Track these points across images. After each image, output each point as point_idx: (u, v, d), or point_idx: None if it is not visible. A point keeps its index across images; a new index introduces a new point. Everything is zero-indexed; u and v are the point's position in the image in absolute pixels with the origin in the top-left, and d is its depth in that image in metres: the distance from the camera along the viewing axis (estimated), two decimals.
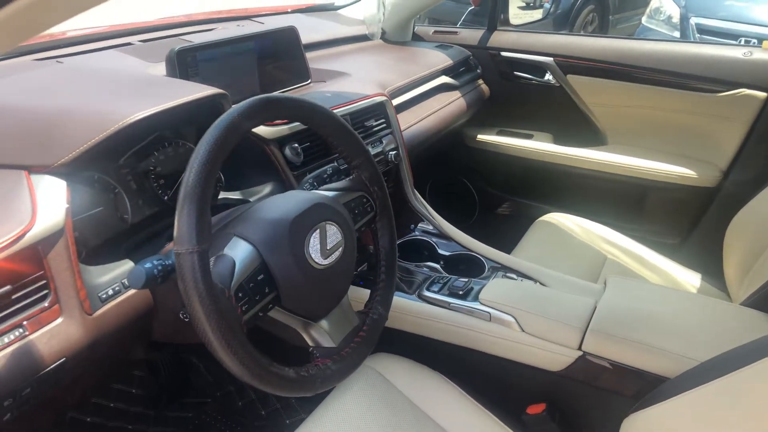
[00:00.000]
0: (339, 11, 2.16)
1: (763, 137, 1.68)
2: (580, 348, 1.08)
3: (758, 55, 1.69)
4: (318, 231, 0.85)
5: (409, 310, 1.23)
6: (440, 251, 1.44)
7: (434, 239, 1.47)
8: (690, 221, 1.86)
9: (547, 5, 2.47)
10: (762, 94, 1.65)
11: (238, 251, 0.80)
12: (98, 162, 0.93)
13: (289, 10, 2.04)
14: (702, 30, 4.45)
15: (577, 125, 2.03)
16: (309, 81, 1.54)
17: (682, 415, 0.87)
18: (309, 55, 1.54)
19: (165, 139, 1.05)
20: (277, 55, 1.48)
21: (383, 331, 1.16)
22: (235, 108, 0.80)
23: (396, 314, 1.24)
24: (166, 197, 1.07)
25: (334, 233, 0.88)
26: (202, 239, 0.71)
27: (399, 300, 1.24)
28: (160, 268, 0.77)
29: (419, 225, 1.51)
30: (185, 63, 1.24)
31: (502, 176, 2.18)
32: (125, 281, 0.89)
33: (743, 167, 1.72)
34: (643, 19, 5.16)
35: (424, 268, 1.38)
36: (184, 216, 0.71)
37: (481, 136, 2.12)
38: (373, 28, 1.93)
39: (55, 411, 0.98)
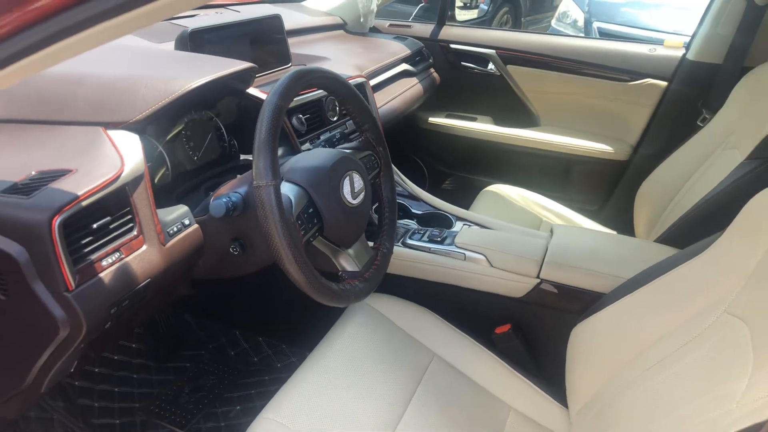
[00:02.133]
0: (302, 3, 2.35)
1: (664, 118, 2.07)
2: (538, 276, 1.37)
3: (660, 51, 2.08)
4: (348, 177, 1.08)
5: (397, 255, 1.47)
6: (413, 210, 1.68)
7: (407, 201, 1.71)
8: (607, 189, 2.23)
9: (483, 6, 2.78)
10: (663, 83, 2.04)
11: (291, 192, 1.01)
12: (149, 127, 1.09)
13: (257, 1, 2.20)
14: (602, 33, 4.98)
15: (514, 109, 2.34)
16: (290, 64, 1.74)
17: (612, 319, 1.18)
18: None
19: (191, 107, 1.23)
20: (264, 40, 1.66)
21: None
22: (285, 77, 1.00)
23: None
24: (195, 158, 1.25)
25: (358, 180, 1.10)
26: (276, 175, 0.91)
27: None
28: (232, 202, 0.97)
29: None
30: (196, 43, 1.41)
31: (450, 154, 2.46)
32: (185, 221, 1.07)
33: (649, 143, 2.11)
34: (553, 22, 5.67)
35: (404, 225, 1.62)
36: (261, 159, 0.91)
37: (432, 119, 2.40)
38: (370, 18, 2.13)
39: (121, 334, 1.14)
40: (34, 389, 0.96)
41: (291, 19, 2.08)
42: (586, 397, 1.18)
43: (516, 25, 6.50)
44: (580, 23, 5.29)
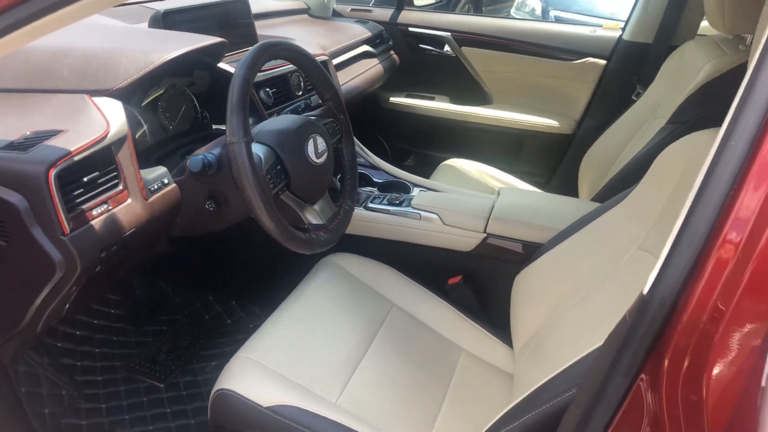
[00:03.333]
0: None
1: (603, 94, 2.25)
2: (485, 231, 1.52)
3: (600, 32, 2.26)
4: (312, 139, 1.21)
5: (359, 217, 1.61)
6: (375, 179, 1.82)
7: (369, 170, 1.85)
8: (555, 161, 2.41)
9: None
10: (602, 62, 2.22)
11: (260, 151, 1.14)
12: (128, 97, 1.20)
13: None
14: (559, 21, 5.20)
15: (469, 88, 2.50)
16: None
17: (548, 265, 1.35)
18: None
19: (168, 78, 1.34)
20: (231, 23, 1.77)
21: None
22: (253, 48, 1.13)
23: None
24: (171, 126, 1.36)
25: (321, 142, 1.23)
26: (247, 133, 1.04)
27: None
28: (207, 159, 1.09)
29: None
30: (168, 23, 1.51)
31: (410, 132, 2.61)
32: (164, 180, 1.18)
33: (591, 117, 2.29)
34: (512, 11, 5.86)
35: (366, 191, 1.76)
36: (233, 119, 1.03)
37: (393, 99, 2.54)
38: (331, 4, 2.26)
39: (107, 283, 1.25)
40: (31, 329, 1.06)
41: (257, 3, 2.18)
42: (527, 335, 1.34)
43: (477, 14, 6.63)
44: (538, 12, 5.49)
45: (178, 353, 1.72)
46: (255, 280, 1.83)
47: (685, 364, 0.58)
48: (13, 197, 0.92)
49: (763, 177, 0.53)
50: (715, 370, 0.56)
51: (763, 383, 0.52)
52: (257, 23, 2.08)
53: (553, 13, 5.43)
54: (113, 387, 1.59)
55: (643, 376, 0.64)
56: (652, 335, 0.61)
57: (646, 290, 0.63)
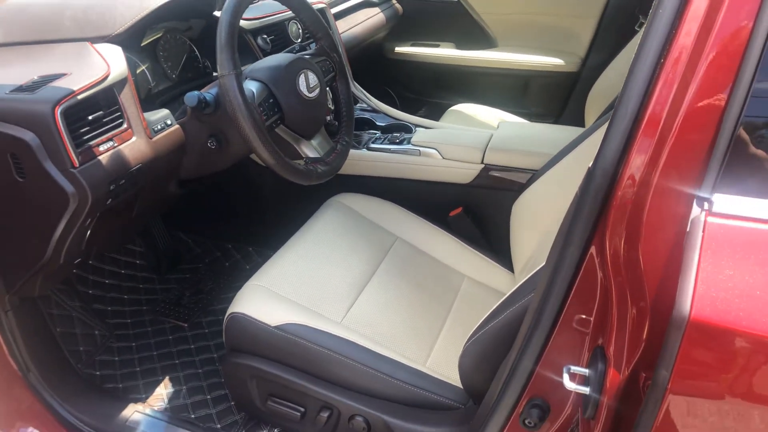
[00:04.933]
0: None
1: (606, 28, 2.23)
2: (482, 162, 1.56)
3: None
4: (303, 75, 1.26)
5: (362, 157, 1.67)
6: (378, 123, 1.87)
7: (371, 115, 1.90)
8: (562, 100, 2.41)
9: None
10: None
11: (253, 86, 1.19)
12: (129, 43, 1.26)
13: None
14: None
15: (473, 33, 2.50)
16: None
17: (542, 189, 1.39)
18: None
19: (167, 31, 1.40)
20: None
21: (346, 176, 1.59)
22: None
23: (352, 162, 1.66)
24: (174, 75, 1.43)
25: (312, 78, 1.28)
26: (237, 66, 1.09)
27: (353, 152, 1.67)
28: (203, 96, 1.16)
29: (357, 105, 1.94)
30: None
31: (418, 81, 2.63)
32: (167, 121, 1.25)
33: (596, 53, 2.27)
34: None
35: (368, 133, 1.81)
36: (223, 54, 1.09)
37: (398, 49, 2.56)
38: None
39: (123, 220, 1.34)
40: (54, 262, 1.16)
41: None
42: (525, 258, 1.39)
43: None
44: None
45: (200, 297, 1.82)
46: (269, 226, 1.91)
47: (624, 233, 0.63)
48: (26, 135, 1.00)
49: (677, 70, 0.58)
50: (648, 236, 0.61)
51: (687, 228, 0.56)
52: None
53: None
54: (141, 328, 1.70)
55: (593, 247, 0.69)
56: (597, 207, 0.65)
57: (591, 165, 0.68)
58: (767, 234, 0.55)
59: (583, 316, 0.73)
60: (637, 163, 0.61)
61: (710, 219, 0.55)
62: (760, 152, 0.58)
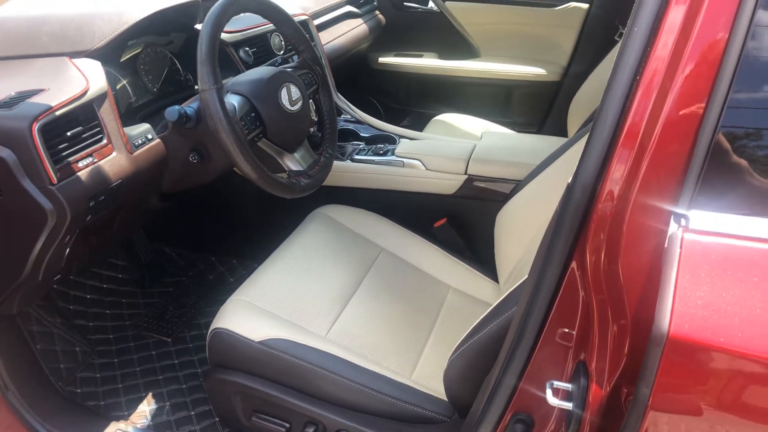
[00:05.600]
0: None
1: (588, 39, 2.26)
2: (466, 173, 1.57)
3: None
4: (285, 88, 1.26)
5: (346, 169, 1.66)
6: (362, 134, 1.87)
7: (355, 126, 1.90)
8: (544, 109, 2.43)
9: None
10: (584, 5, 2.22)
11: (234, 100, 1.19)
12: (108, 57, 1.25)
13: None
14: None
15: (456, 43, 2.52)
16: None
17: (525, 199, 1.40)
18: None
19: (147, 45, 1.39)
20: None
21: (330, 188, 1.58)
22: (220, 1, 1.17)
23: (336, 173, 1.66)
24: (155, 88, 1.42)
25: (295, 91, 1.28)
26: (217, 81, 1.09)
27: (337, 164, 1.67)
28: (184, 110, 1.15)
29: (341, 116, 1.93)
30: None
31: (402, 91, 2.64)
32: (149, 135, 1.24)
33: (577, 63, 2.30)
34: None
35: (352, 144, 1.81)
36: (203, 69, 1.09)
37: (381, 59, 2.56)
38: None
39: (104, 236, 1.32)
40: (32, 279, 1.14)
41: None
42: (510, 267, 1.39)
43: None
44: None
45: (183, 310, 1.80)
46: (253, 239, 1.90)
47: (603, 249, 0.63)
48: (2, 152, 0.99)
49: (652, 87, 0.59)
50: (627, 252, 0.61)
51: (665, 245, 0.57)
52: None
53: None
54: (124, 343, 1.68)
55: (574, 262, 0.69)
56: (577, 222, 0.66)
57: (570, 180, 0.68)
58: (743, 250, 0.56)
59: (566, 330, 0.74)
60: (615, 178, 0.62)
61: (687, 235, 0.56)
62: (738, 164, 0.58)
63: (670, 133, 0.59)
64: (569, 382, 0.72)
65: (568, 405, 0.70)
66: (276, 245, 1.47)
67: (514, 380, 0.76)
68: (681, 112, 0.59)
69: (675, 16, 0.59)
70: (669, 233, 0.57)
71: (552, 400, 0.70)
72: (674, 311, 0.53)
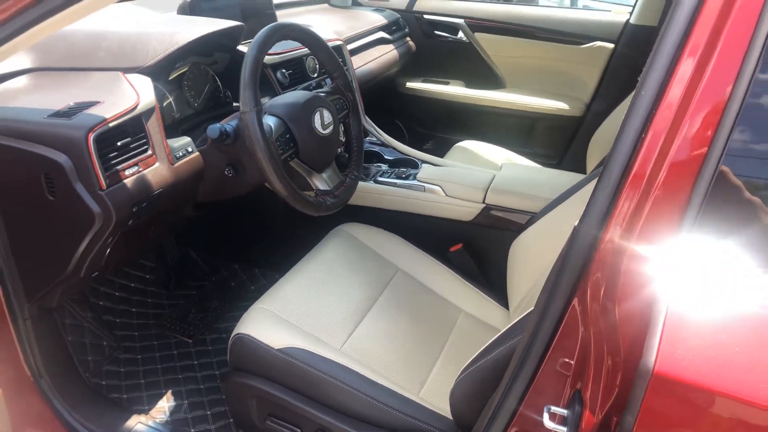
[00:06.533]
0: None
1: (612, 77, 2.32)
2: (483, 201, 1.63)
3: (609, 17, 2.33)
4: (318, 112, 1.34)
5: (369, 190, 1.74)
6: (386, 157, 1.95)
7: (380, 148, 1.98)
8: (565, 143, 2.49)
9: None
10: (610, 45, 2.29)
11: (271, 121, 1.28)
12: (158, 74, 1.35)
13: None
14: (587, 9, 5.19)
15: (482, 73, 2.60)
16: None
17: (540, 232, 1.45)
18: None
19: (194, 64, 1.49)
20: (254, 12, 1.91)
21: (352, 207, 1.66)
22: (266, 28, 1.27)
23: (360, 194, 1.74)
24: (196, 104, 1.51)
25: (327, 115, 1.37)
26: (257, 104, 1.18)
27: (361, 184, 1.74)
28: (224, 128, 1.24)
29: (367, 138, 2.02)
30: (194, 11, 1.67)
31: (427, 116, 2.72)
32: (189, 148, 1.33)
33: (600, 100, 2.36)
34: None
35: (376, 166, 1.89)
36: (246, 92, 1.17)
37: (409, 84, 2.65)
38: None
39: (142, 239, 1.41)
40: (75, 275, 1.23)
41: None
42: (520, 296, 1.45)
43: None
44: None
45: (205, 314, 1.89)
46: (276, 250, 1.98)
47: (602, 292, 0.70)
48: (60, 157, 1.08)
49: (652, 149, 0.65)
50: (624, 297, 0.68)
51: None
52: (279, 12, 2.22)
53: (581, 1, 5.44)
54: (147, 341, 1.76)
55: (576, 299, 0.75)
56: (580, 264, 0.72)
57: (576, 223, 0.75)
58: (730, 301, 0.62)
59: (566, 360, 0.80)
60: (617, 226, 0.68)
61: (676, 286, 0.62)
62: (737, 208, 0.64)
63: (673, 179, 0.65)
64: (565, 408, 0.78)
65: (563, 429, 0.75)
66: (298, 258, 1.54)
67: (515, 404, 0.82)
68: (684, 158, 0.65)
69: (685, 68, 0.65)
70: (661, 279, 0.64)
71: (548, 423, 0.76)
72: (660, 351, 0.59)
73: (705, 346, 0.58)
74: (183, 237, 2.03)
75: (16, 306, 1.26)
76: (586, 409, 0.72)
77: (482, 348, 1.08)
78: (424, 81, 2.68)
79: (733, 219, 0.65)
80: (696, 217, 0.63)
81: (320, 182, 1.38)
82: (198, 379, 1.66)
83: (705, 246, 0.62)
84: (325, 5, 2.51)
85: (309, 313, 1.36)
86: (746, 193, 0.66)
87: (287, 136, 1.28)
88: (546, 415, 0.77)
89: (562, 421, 0.77)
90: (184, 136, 1.36)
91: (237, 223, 1.98)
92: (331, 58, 1.45)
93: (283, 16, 2.18)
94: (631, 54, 2.24)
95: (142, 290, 1.92)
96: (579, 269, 0.73)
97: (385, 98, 2.69)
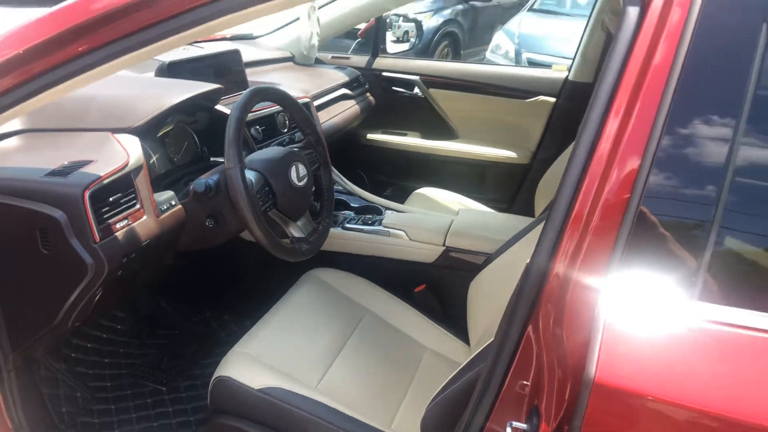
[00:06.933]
0: (256, 40, 2.75)
1: (554, 128, 2.55)
2: (444, 244, 1.78)
3: (550, 73, 2.58)
4: (294, 166, 1.47)
5: (337, 236, 1.86)
6: (352, 204, 2.08)
7: (346, 197, 2.11)
8: (514, 188, 2.69)
9: (413, 40, 3.26)
10: (552, 99, 2.53)
11: (251, 175, 1.39)
12: (145, 133, 1.45)
13: (218, 38, 2.59)
14: (531, 62, 5.57)
15: (437, 125, 2.79)
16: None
17: (495, 271, 1.60)
18: None
19: (177, 122, 1.60)
20: (225, 71, 2.04)
21: (322, 252, 1.77)
22: (247, 92, 1.40)
23: (329, 240, 1.85)
24: (176, 159, 1.61)
25: (302, 168, 1.50)
26: (241, 160, 1.29)
27: (330, 231, 1.86)
28: (209, 183, 1.35)
29: (334, 187, 2.14)
30: (172, 72, 1.79)
31: (387, 165, 2.89)
32: (172, 202, 1.43)
33: (545, 148, 2.58)
34: (487, 54, 6.27)
35: (343, 213, 2.02)
36: (230, 150, 1.29)
37: (370, 136, 2.82)
38: (311, 53, 2.57)
39: (126, 288, 1.48)
40: (62, 325, 1.29)
41: (247, 53, 2.47)
42: (480, 332, 1.58)
43: (455, 57, 7.10)
44: (512, 54, 5.89)
45: (178, 362, 1.93)
46: (246, 297, 2.06)
47: (552, 317, 0.83)
48: (56, 213, 1.16)
49: (588, 194, 0.80)
50: (569, 320, 0.82)
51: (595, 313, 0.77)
52: (248, 70, 2.36)
53: (525, 55, 5.82)
54: (121, 391, 1.79)
55: (530, 327, 0.89)
56: (532, 296, 0.86)
57: (528, 261, 0.89)
58: (658, 318, 0.76)
59: (524, 382, 0.92)
60: (561, 263, 0.82)
61: (610, 308, 0.76)
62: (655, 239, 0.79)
63: (605, 219, 0.80)
64: (525, 422, 0.90)
65: None
66: (268, 304, 1.63)
67: (482, 420, 0.94)
68: (613, 201, 0.80)
69: (612, 124, 0.81)
70: (598, 303, 0.78)
71: None
72: (599, 363, 0.72)
73: (637, 358, 0.72)
74: (154, 286, 2.09)
75: (1, 357, 1.30)
76: (542, 421, 0.85)
77: (450, 377, 1.19)
78: (383, 133, 2.85)
79: (653, 252, 0.80)
80: (623, 250, 0.78)
81: (295, 230, 1.50)
82: (173, 425, 1.70)
83: (633, 275, 0.77)
84: (290, 63, 2.67)
85: (285, 355, 1.44)
86: (660, 228, 0.81)
87: (266, 188, 1.39)
88: (509, 430, 0.89)
89: None
90: (168, 190, 1.46)
91: (209, 271, 2.06)
92: (303, 117, 1.59)
93: (252, 74, 2.31)
94: (571, 107, 2.47)
95: (114, 340, 1.96)
96: (532, 301, 0.86)
97: (347, 149, 2.84)
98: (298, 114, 1.58)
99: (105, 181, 1.22)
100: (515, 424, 0.89)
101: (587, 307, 0.79)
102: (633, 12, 0.82)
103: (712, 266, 0.76)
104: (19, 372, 1.35)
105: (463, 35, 7.27)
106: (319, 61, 2.82)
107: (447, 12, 6.96)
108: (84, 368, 1.81)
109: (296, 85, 2.23)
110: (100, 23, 0.91)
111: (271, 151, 1.47)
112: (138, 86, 1.56)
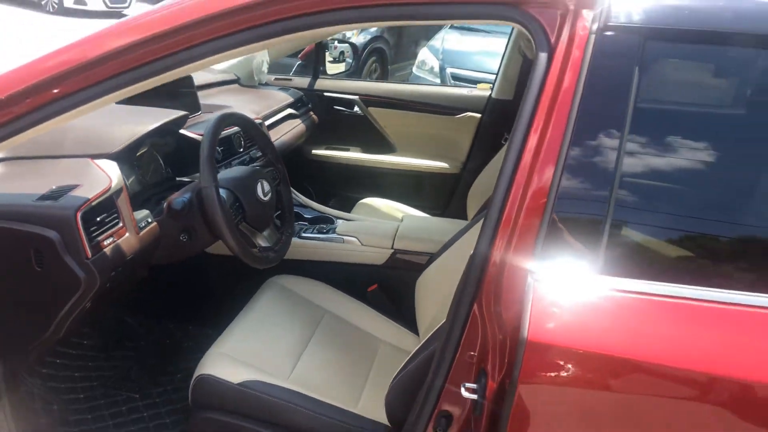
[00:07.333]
0: None
1: (481, 140, 2.84)
2: (392, 247, 2.00)
3: (475, 92, 2.87)
4: (260, 183, 1.64)
5: (295, 245, 2.03)
6: (305, 216, 2.26)
7: (299, 209, 2.29)
8: (447, 196, 2.96)
9: (349, 60, 3.48)
10: (478, 115, 2.82)
11: (223, 193, 1.56)
12: (122, 158, 1.58)
13: None
14: (455, 77, 5.88)
15: (377, 140, 3.03)
16: (200, 112, 2.26)
17: (437, 268, 1.82)
18: None
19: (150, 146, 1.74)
20: (177, 93, 2.17)
21: (282, 260, 1.94)
22: (215, 118, 1.56)
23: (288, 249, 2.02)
24: (145, 180, 1.75)
25: (266, 185, 1.67)
26: (215, 179, 1.46)
27: None
28: (184, 200, 1.50)
29: None
30: (131, 99, 1.91)
31: (332, 178, 3.09)
32: (148, 219, 1.57)
33: (473, 159, 2.87)
34: (414, 69, 6.57)
35: (298, 224, 2.20)
36: (205, 170, 1.46)
37: (315, 151, 3.02)
38: (262, 76, 2.73)
39: (109, 300, 1.59)
40: (54, 336, 1.40)
41: (195, 76, 2.60)
42: (427, 322, 1.79)
43: (383, 72, 7.37)
44: (436, 69, 6.19)
45: (146, 370, 2.04)
46: (209, 308, 2.19)
47: (492, 295, 1.06)
48: (50, 233, 1.28)
49: (515, 199, 1.03)
50: (506, 297, 1.04)
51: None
52: (198, 93, 2.49)
53: (449, 70, 6.14)
54: (95, 401, 1.88)
55: (476, 305, 1.11)
56: (477, 280, 1.09)
57: (472, 252, 1.12)
58: (573, 289, 1.00)
59: (472, 353, 1.15)
60: (498, 253, 1.06)
61: (537, 284, 1.00)
62: (565, 233, 1.04)
63: (529, 218, 1.03)
64: (475, 382, 1.12)
65: (475, 396, 1.10)
66: (231, 313, 1.77)
67: (441, 383, 1.16)
68: (534, 205, 1.03)
69: (533, 140, 1.05)
70: (527, 282, 1.01)
71: (465, 394, 1.10)
72: (530, 325, 0.96)
73: (560, 320, 0.96)
74: (120, 301, 2.18)
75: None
76: (489, 379, 1.07)
77: (407, 358, 1.41)
78: (327, 148, 3.05)
79: (566, 240, 1.05)
80: (544, 240, 1.02)
81: (263, 240, 1.67)
82: (150, 429, 1.81)
83: (553, 259, 1.01)
84: (236, 85, 2.82)
85: (258, 352, 1.61)
86: (571, 222, 1.06)
87: (237, 204, 1.56)
88: (462, 389, 1.11)
89: (473, 391, 1.12)
90: (142, 209, 1.59)
91: (174, 284, 2.17)
92: (263, 138, 1.77)
93: (202, 97, 2.45)
94: (495, 122, 2.77)
95: (82, 355, 2.04)
96: (475, 285, 1.09)
97: (293, 164, 3.01)
98: (258, 135, 1.76)
99: (93, 203, 1.35)
100: (468, 384, 1.11)
101: (519, 285, 1.02)
102: (543, 56, 1.07)
103: (609, 248, 1.02)
104: (9, 384, 1.45)
105: (390, 51, 7.56)
106: (262, 83, 2.99)
107: (373, 29, 7.22)
108: (56, 383, 1.89)
109: (247, 106, 2.39)
110: (75, 72, 1.06)
111: (238, 170, 1.64)
112: (107, 115, 1.68)
